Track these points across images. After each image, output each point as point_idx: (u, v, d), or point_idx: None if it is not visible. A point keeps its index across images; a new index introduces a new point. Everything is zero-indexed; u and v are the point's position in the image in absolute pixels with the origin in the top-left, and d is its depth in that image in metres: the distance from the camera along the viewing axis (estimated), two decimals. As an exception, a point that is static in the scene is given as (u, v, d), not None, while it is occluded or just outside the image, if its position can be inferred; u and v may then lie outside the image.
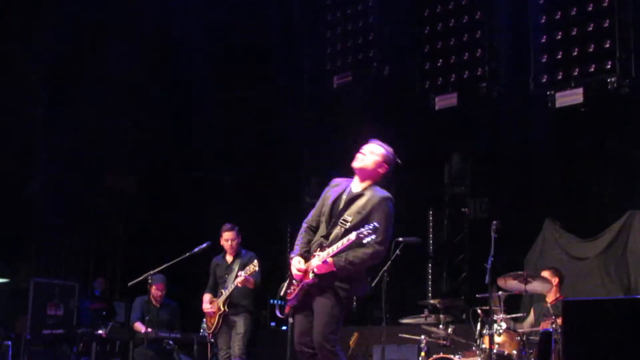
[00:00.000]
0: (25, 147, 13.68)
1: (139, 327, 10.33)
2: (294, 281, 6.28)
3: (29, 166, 13.73)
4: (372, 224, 5.97)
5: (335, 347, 6.11)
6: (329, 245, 6.18)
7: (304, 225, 6.55)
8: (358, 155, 6.42)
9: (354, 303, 9.97)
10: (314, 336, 6.11)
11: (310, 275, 6.15)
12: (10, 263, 13.50)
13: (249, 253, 9.51)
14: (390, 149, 6.50)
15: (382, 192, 6.32)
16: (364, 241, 5.95)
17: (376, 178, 6.41)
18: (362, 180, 6.40)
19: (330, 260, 6.10)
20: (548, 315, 8.42)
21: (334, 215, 6.31)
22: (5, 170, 13.22)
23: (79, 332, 10.75)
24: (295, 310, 6.31)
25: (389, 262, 8.36)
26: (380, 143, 6.50)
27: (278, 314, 6.39)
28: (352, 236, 6.00)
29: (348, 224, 6.17)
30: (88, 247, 14.79)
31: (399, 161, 6.56)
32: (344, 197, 6.35)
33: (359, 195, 6.31)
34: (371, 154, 6.41)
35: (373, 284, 8.01)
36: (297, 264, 6.26)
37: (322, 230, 6.34)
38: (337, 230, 6.21)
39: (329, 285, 6.14)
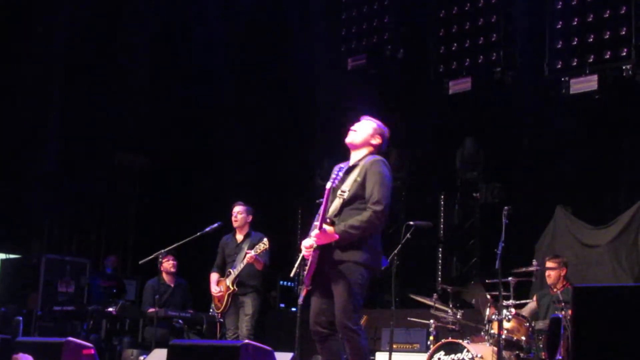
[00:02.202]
0: (39, 123, 13.71)
1: (153, 312, 10.28)
2: (306, 263, 6.23)
3: (42, 143, 13.76)
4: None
5: (357, 325, 6.09)
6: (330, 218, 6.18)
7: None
8: (349, 132, 6.49)
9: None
10: (336, 316, 6.06)
11: (314, 246, 6.10)
12: (22, 239, 13.56)
13: (258, 234, 9.53)
14: (381, 124, 6.54)
15: (374, 156, 6.35)
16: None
17: (371, 149, 6.44)
18: (356, 152, 6.44)
19: (329, 228, 6.06)
20: (559, 302, 8.42)
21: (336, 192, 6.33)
22: (18, 146, 13.26)
23: (90, 310, 10.81)
24: (311, 291, 6.25)
25: (399, 246, 8.37)
26: (371, 118, 6.55)
27: (300, 301, 6.37)
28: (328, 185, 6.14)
29: (346, 194, 6.18)
30: (100, 225, 14.83)
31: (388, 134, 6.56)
32: (341, 173, 6.37)
33: (354, 167, 6.34)
34: (361, 128, 6.47)
35: (383, 267, 8.00)
36: (305, 242, 6.23)
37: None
38: (336, 203, 6.21)
39: (343, 261, 6.09)
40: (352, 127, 6.49)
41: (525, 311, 9.20)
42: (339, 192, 6.23)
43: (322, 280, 6.18)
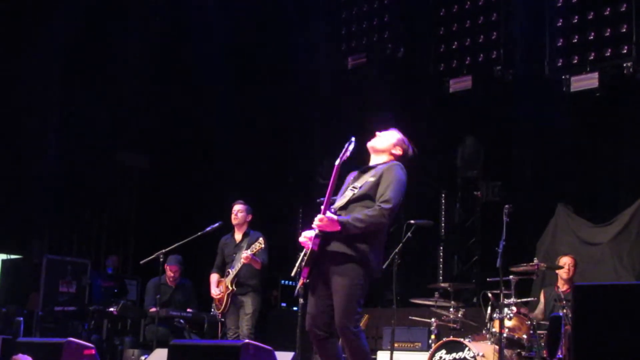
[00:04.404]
0: (40, 123, 13.71)
1: (154, 311, 10.27)
2: (305, 253, 6.04)
3: (43, 143, 13.76)
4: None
5: (358, 327, 5.95)
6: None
7: None
8: (374, 136, 6.46)
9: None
10: (335, 317, 5.91)
11: (315, 231, 5.94)
12: (23, 240, 13.55)
13: (257, 233, 9.54)
14: (405, 138, 6.49)
15: (394, 161, 6.30)
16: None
17: (391, 158, 6.36)
18: (376, 157, 6.40)
19: (332, 216, 5.90)
20: (560, 300, 8.42)
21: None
22: (19, 146, 13.26)
23: (91, 310, 10.80)
24: (309, 290, 6.11)
25: (400, 245, 8.37)
26: (398, 132, 6.52)
27: (296, 292, 6.27)
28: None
29: (357, 191, 6.09)
30: (101, 225, 14.84)
31: (412, 150, 6.48)
32: (357, 175, 6.34)
33: (371, 167, 6.29)
34: (386, 135, 6.45)
35: (384, 266, 7.99)
36: (306, 233, 6.07)
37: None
38: (345, 196, 6.14)
39: (344, 260, 5.92)
40: (376, 134, 6.46)
41: (538, 312, 9.23)
42: (350, 187, 6.17)
43: (321, 280, 6.04)
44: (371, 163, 6.40)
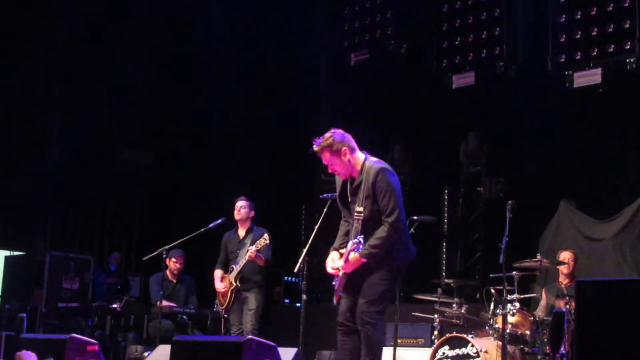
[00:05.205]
0: (43, 121, 13.72)
1: (166, 303, 10.27)
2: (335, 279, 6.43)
3: (46, 140, 13.77)
4: (357, 238, 6.17)
5: (375, 319, 6.21)
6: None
7: (343, 219, 6.66)
8: (334, 172, 6.54)
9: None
10: (357, 306, 6.26)
11: (340, 273, 6.32)
12: (26, 236, 13.57)
13: (261, 229, 9.55)
14: (329, 134, 6.47)
15: (375, 165, 6.36)
16: (357, 249, 6.20)
17: (356, 161, 6.43)
18: (355, 173, 6.44)
19: (354, 256, 6.22)
20: (563, 296, 8.42)
21: (348, 208, 6.47)
22: (22, 143, 13.27)
23: (94, 306, 10.81)
24: (342, 293, 6.42)
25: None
26: (318, 140, 6.50)
27: (335, 302, 6.47)
28: (349, 246, 6.25)
29: (362, 215, 6.28)
30: (104, 222, 14.83)
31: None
32: (348, 188, 6.48)
33: (359, 184, 6.37)
34: (331, 160, 6.45)
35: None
36: (330, 262, 6.43)
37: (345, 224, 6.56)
38: (356, 225, 6.32)
39: (374, 270, 6.28)
40: (330, 170, 6.54)
41: (540, 310, 9.22)
42: (355, 213, 6.33)
43: (351, 281, 6.36)
44: (351, 181, 6.47)
